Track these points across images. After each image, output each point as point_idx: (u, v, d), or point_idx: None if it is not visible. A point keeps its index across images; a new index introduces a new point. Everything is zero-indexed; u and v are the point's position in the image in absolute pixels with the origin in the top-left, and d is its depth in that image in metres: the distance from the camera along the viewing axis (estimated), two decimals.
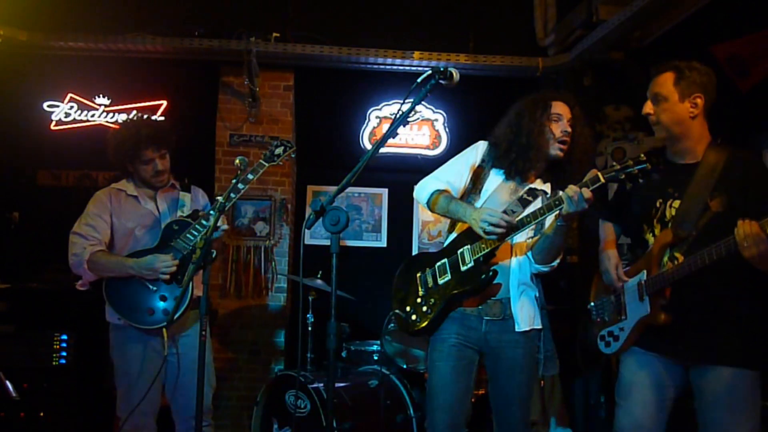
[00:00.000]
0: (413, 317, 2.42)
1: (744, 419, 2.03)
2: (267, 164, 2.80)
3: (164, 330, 2.59)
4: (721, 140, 2.24)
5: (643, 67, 4.23)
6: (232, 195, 2.54)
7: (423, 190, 2.48)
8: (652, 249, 2.19)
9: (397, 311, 2.49)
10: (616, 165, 2.04)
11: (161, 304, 2.65)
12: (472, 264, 2.31)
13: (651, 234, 2.24)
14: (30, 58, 4.53)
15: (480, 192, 2.42)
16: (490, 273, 2.27)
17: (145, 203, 2.85)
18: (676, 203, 2.17)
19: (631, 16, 3.72)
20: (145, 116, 3.00)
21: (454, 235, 2.45)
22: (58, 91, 4.67)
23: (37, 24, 4.39)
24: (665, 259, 2.15)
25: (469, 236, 2.35)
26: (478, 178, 2.45)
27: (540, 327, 2.38)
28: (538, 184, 2.42)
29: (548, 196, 2.37)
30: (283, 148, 2.86)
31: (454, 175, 2.47)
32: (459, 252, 2.36)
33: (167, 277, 2.63)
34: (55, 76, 4.66)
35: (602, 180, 2.05)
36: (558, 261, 2.36)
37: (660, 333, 2.15)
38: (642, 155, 2.01)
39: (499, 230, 2.20)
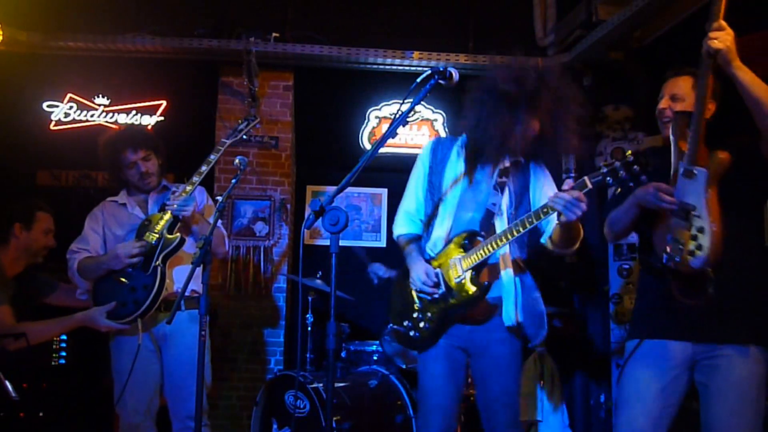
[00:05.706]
0: (411, 332, 2.37)
1: (751, 410, 1.99)
2: (228, 141, 2.93)
3: (139, 320, 2.66)
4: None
5: (642, 67, 4.23)
6: (195, 179, 2.74)
7: (394, 229, 2.61)
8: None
9: (395, 326, 2.44)
10: (604, 165, 1.94)
11: (131, 296, 2.69)
12: (464, 276, 2.27)
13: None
14: (30, 58, 4.52)
15: (443, 191, 2.40)
16: (484, 286, 2.25)
17: (133, 209, 2.90)
18: None
19: (631, 16, 3.72)
20: (130, 123, 3.08)
21: (445, 241, 2.38)
22: (57, 91, 4.66)
23: (37, 24, 4.38)
24: None
25: (461, 245, 2.31)
26: (434, 182, 2.45)
27: (522, 320, 2.31)
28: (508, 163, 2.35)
29: (522, 162, 2.36)
30: (246, 123, 2.98)
31: (413, 202, 2.54)
32: (451, 261, 2.31)
33: (134, 260, 2.66)
34: (55, 76, 4.66)
35: (589, 185, 1.97)
36: (578, 244, 2.30)
37: (670, 315, 2.11)
38: (629, 153, 1.89)
39: (430, 291, 2.28)
